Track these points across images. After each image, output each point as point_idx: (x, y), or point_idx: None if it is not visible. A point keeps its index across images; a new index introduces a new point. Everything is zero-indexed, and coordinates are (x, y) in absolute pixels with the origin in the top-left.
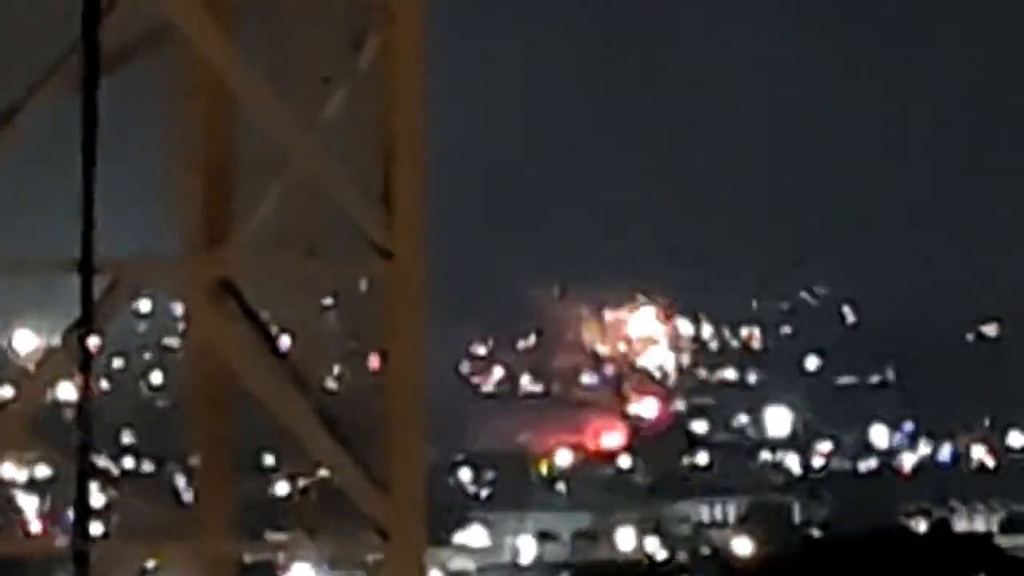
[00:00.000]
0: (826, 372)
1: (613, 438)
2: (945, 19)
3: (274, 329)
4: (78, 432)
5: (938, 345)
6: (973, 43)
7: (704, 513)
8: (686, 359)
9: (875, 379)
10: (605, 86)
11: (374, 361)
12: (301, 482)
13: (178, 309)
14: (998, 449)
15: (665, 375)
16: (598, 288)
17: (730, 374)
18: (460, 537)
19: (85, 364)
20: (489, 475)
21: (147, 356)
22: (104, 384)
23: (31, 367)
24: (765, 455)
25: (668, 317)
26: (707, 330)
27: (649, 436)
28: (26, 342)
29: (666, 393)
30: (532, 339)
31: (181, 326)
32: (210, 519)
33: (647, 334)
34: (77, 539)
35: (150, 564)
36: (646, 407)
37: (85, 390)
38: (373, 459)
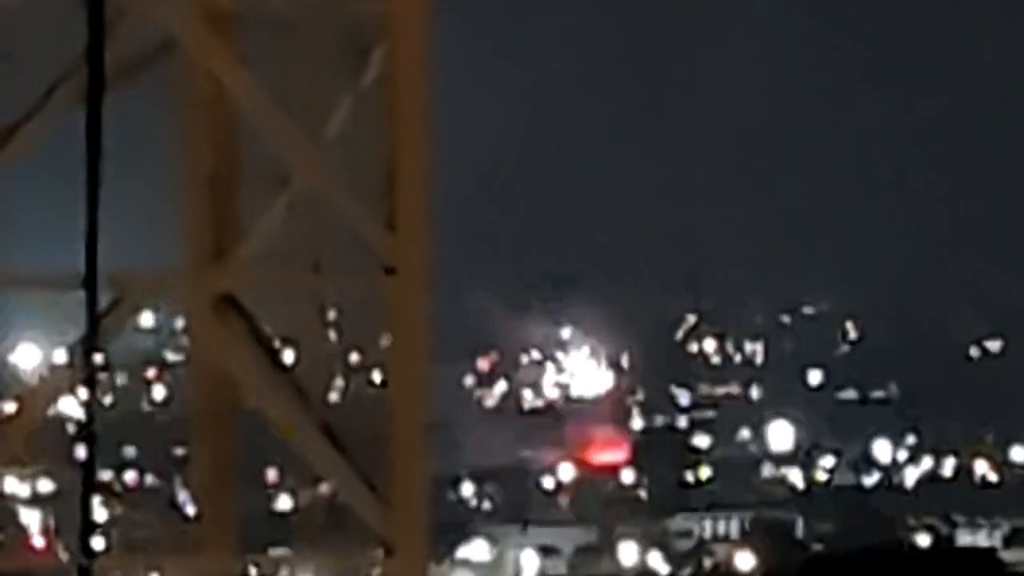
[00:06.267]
0: (829, 387)
1: (615, 453)
2: (955, 31)
3: (277, 343)
4: (82, 447)
5: (941, 360)
6: (982, 58)
7: (707, 528)
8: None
9: (878, 394)
10: (603, 93)
11: (376, 375)
12: (304, 496)
13: (181, 323)
14: (1001, 464)
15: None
16: (597, 301)
17: (733, 389)
18: (463, 551)
19: (90, 379)
20: (491, 489)
21: (150, 370)
22: (107, 399)
23: (34, 382)
24: (768, 470)
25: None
26: (710, 344)
27: (651, 449)
28: (29, 357)
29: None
30: (535, 354)
31: (184, 340)
32: (213, 533)
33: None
34: (80, 554)
35: None
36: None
37: (90, 405)
38: (376, 473)
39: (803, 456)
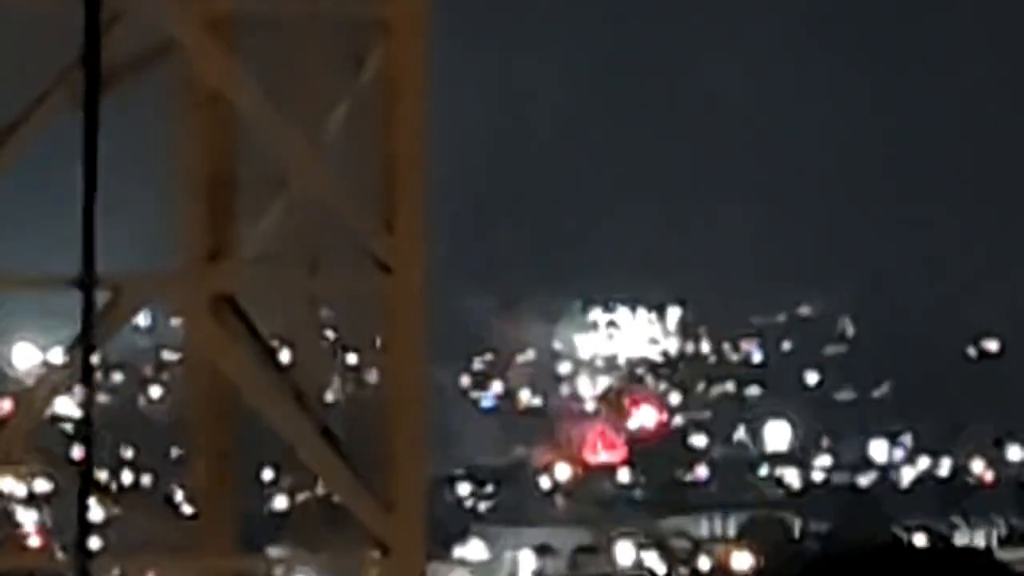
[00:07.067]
0: (825, 386)
1: (612, 452)
2: (954, 31)
3: (274, 343)
4: (79, 446)
5: (938, 360)
6: (982, 60)
7: (703, 528)
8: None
9: (874, 393)
10: (600, 95)
11: (374, 375)
12: (301, 496)
13: (178, 323)
14: (997, 463)
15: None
16: (593, 300)
17: (729, 388)
18: (460, 551)
19: (87, 379)
20: (488, 489)
21: (146, 370)
22: (103, 398)
23: (30, 381)
24: (764, 469)
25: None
26: (706, 345)
27: (648, 449)
28: (25, 356)
29: (661, 402)
30: (531, 354)
31: (181, 340)
32: (210, 533)
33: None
34: (77, 554)
35: None
36: (644, 416)
37: (87, 405)
38: (373, 473)
39: (800, 456)
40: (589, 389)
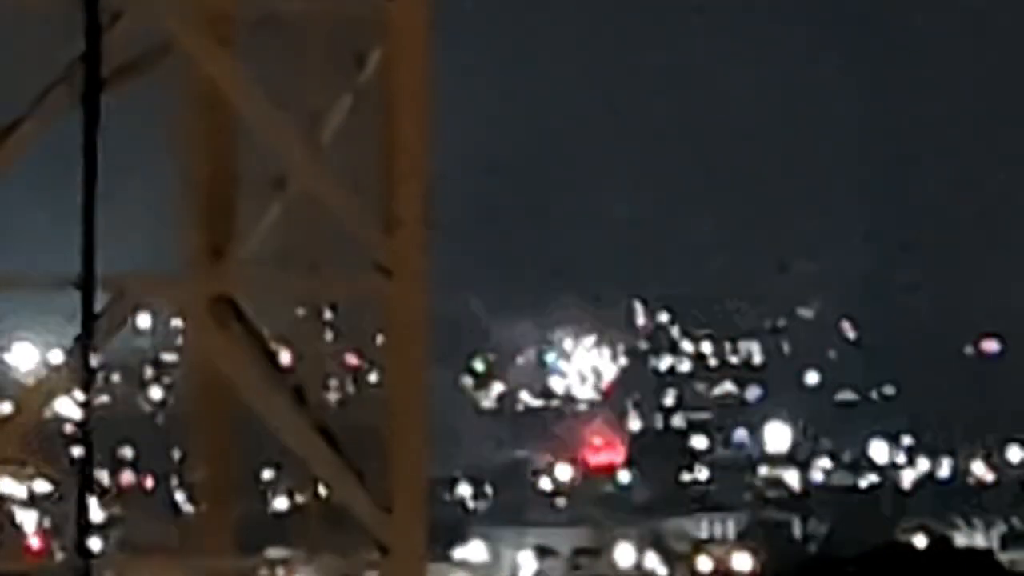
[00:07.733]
0: (825, 388)
1: (612, 453)
2: (956, 30)
3: (274, 344)
4: (78, 447)
5: (938, 361)
6: (982, 59)
7: (703, 529)
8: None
9: (874, 395)
10: (596, 95)
11: (374, 376)
12: (301, 497)
13: (178, 324)
14: (998, 465)
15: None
16: (593, 301)
17: (730, 389)
18: (460, 552)
19: (87, 380)
20: (488, 490)
21: (147, 371)
22: (104, 399)
23: (30, 382)
24: (764, 471)
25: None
26: (707, 346)
27: (648, 450)
28: (25, 357)
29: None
30: (531, 354)
31: (181, 341)
32: (210, 534)
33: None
34: (77, 555)
35: None
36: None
37: (86, 406)
38: (373, 474)
39: (800, 457)
40: (589, 390)
